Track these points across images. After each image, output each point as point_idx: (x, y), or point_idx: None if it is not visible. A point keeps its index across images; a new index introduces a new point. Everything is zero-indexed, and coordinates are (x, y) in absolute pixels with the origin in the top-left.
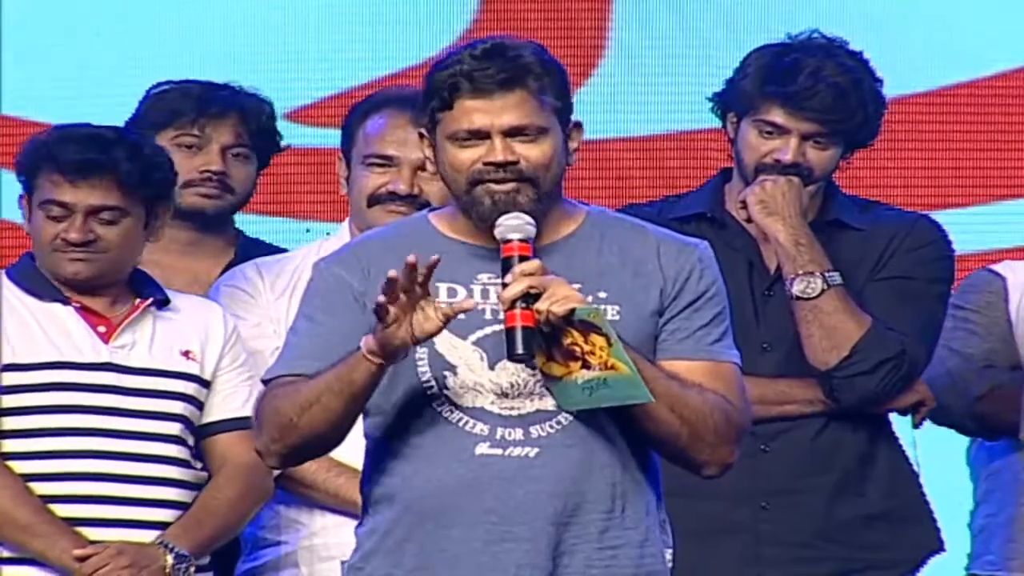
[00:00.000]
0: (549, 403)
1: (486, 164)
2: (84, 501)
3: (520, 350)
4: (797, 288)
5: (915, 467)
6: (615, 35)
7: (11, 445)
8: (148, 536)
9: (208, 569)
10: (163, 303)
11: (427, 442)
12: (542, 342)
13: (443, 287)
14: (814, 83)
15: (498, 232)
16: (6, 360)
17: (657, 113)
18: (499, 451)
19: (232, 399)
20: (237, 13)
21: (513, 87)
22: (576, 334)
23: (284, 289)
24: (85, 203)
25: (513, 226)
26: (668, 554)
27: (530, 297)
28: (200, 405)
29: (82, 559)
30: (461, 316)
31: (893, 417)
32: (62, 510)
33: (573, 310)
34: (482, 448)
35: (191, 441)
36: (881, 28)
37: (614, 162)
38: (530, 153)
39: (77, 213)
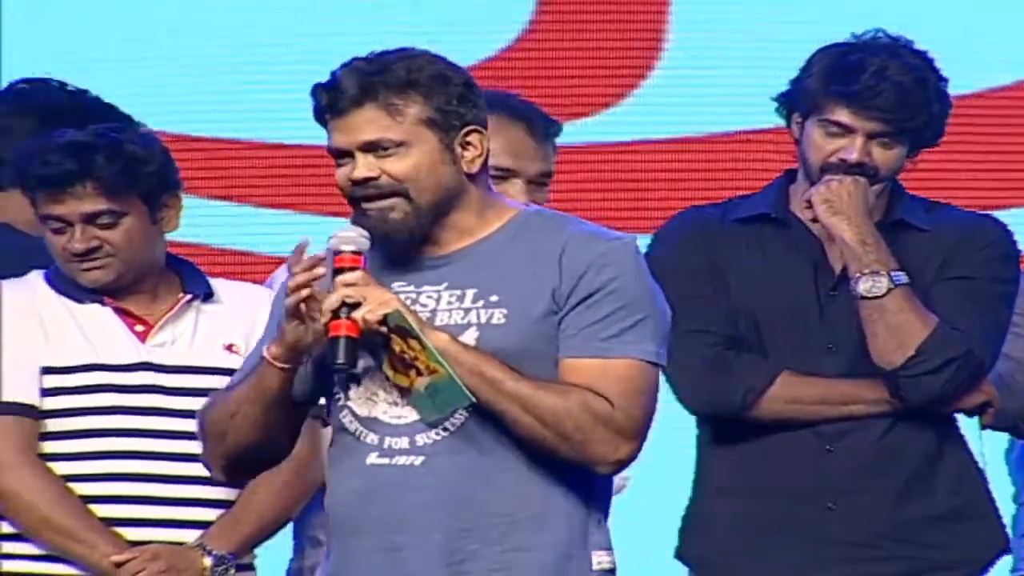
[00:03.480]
0: None
1: (351, 181)
2: (125, 501)
3: (340, 359)
4: (863, 287)
5: (981, 467)
6: (674, 33)
7: (51, 447)
8: (191, 536)
9: (251, 568)
10: (208, 296)
11: (336, 453)
12: (383, 353)
13: None
14: (879, 82)
15: (331, 244)
16: (46, 363)
17: (716, 112)
18: (387, 460)
19: None
20: (293, 13)
21: (363, 102)
22: (400, 341)
23: None
24: (77, 212)
25: (345, 238)
26: (603, 556)
27: (354, 307)
28: None
29: (119, 565)
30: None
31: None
32: (103, 510)
33: (387, 316)
34: (372, 458)
35: None
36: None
37: (673, 162)
38: (391, 167)
39: (74, 224)
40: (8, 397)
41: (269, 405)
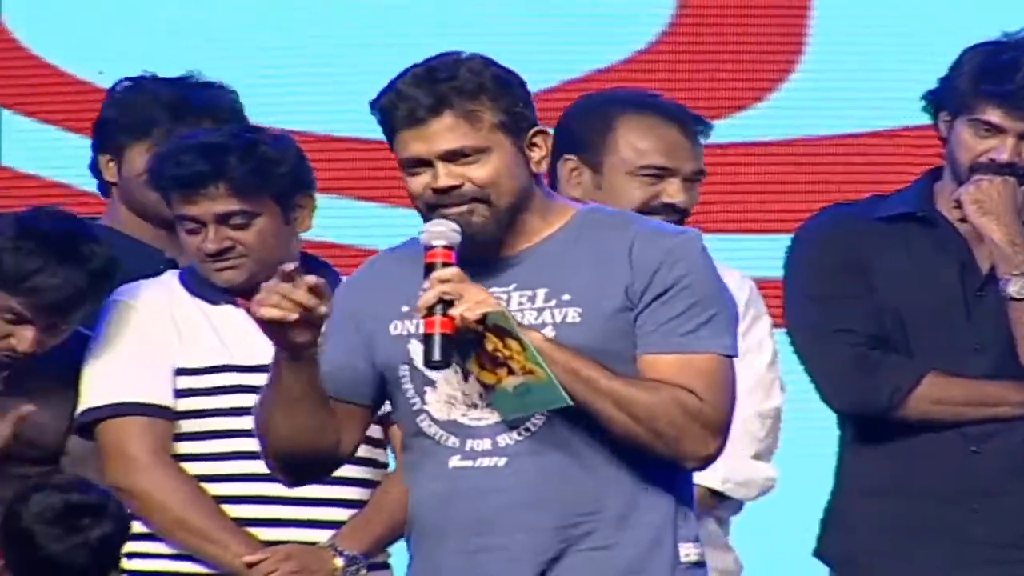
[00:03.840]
0: None
1: (433, 191)
2: (258, 502)
3: (436, 357)
4: (1013, 289)
5: None
6: (816, 33)
7: (185, 447)
8: (324, 536)
9: (386, 567)
10: None
11: (416, 457)
12: (472, 350)
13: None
14: None
15: (422, 238)
16: (179, 364)
17: (858, 111)
18: (469, 463)
19: None
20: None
21: (441, 111)
22: (496, 340)
23: None
24: (210, 213)
25: (436, 233)
26: (690, 548)
27: (449, 304)
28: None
29: (251, 565)
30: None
31: None
32: (236, 511)
33: (486, 315)
34: (454, 461)
35: (379, 435)
36: None
37: (812, 164)
38: (474, 174)
39: (207, 224)
40: (141, 398)
41: (293, 403)
